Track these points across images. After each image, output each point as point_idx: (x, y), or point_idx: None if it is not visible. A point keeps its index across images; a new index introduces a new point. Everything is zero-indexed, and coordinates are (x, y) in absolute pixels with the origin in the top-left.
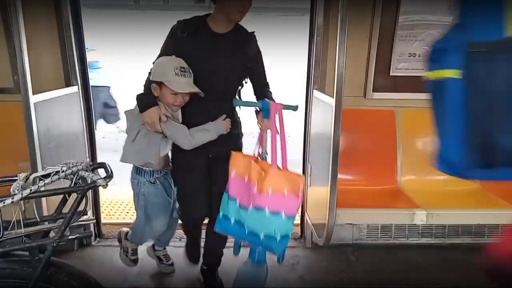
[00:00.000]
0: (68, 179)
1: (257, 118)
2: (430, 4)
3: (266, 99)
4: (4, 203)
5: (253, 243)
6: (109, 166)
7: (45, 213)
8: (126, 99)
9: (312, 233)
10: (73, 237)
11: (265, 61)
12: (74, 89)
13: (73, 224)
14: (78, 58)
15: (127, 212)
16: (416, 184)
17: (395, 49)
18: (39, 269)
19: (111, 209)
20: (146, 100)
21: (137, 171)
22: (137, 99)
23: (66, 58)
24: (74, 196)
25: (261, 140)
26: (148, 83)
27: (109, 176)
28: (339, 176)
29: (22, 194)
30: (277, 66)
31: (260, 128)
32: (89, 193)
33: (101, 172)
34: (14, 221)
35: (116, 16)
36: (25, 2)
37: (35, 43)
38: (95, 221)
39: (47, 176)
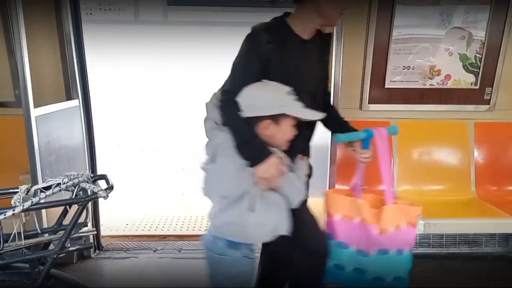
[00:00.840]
0: (69, 191)
1: (355, 150)
2: (423, 18)
3: (367, 129)
4: (5, 215)
5: (376, 286)
6: (109, 177)
7: (45, 225)
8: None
9: None
10: (74, 248)
11: None
12: (75, 102)
13: (73, 236)
14: (79, 72)
15: (127, 224)
16: (413, 194)
17: (390, 62)
18: (39, 281)
19: (111, 221)
20: (260, 149)
21: (230, 243)
22: (240, 149)
23: (67, 72)
24: (74, 208)
25: (360, 173)
26: (244, 124)
27: (110, 187)
28: (337, 186)
29: (23, 206)
30: None
31: (361, 161)
32: (89, 205)
33: (102, 184)
34: (14, 233)
35: (116, 31)
36: (27, 17)
37: (37, 57)
38: (95, 232)
39: (48, 188)
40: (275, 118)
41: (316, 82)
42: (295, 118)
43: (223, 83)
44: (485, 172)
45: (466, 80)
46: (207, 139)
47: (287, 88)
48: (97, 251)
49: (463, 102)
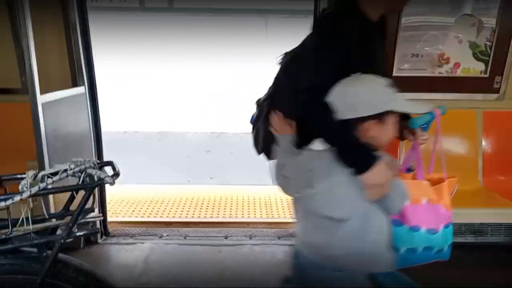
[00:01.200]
0: (75, 176)
1: (415, 133)
2: (433, 5)
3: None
4: (13, 200)
5: (433, 259)
6: (116, 164)
7: (53, 211)
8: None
9: None
10: (81, 233)
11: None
12: (81, 89)
13: (80, 221)
14: (85, 59)
15: (133, 210)
16: None
17: (398, 49)
18: (47, 265)
19: (117, 207)
20: (365, 154)
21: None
22: (341, 156)
23: (73, 59)
24: (81, 194)
25: (418, 155)
26: (342, 127)
27: (116, 174)
28: None
29: (30, 191)
30: None
31: (421, 143)
32: (96, 191)
33: (108, 170)
34: (22, 218)
35: (122, 18)
36: (33, 4)
37: (43, 44)
38: (102, 218)
39: (55, 174)
40: (379, 117)
41: (384, 66)
42: (398, 114)
43: (271, 84)
44: (492, 162)
45: (475, 68)
46: (280, 161)
47: (385, 81)
48: (104, 237)
49: (472, 90)
